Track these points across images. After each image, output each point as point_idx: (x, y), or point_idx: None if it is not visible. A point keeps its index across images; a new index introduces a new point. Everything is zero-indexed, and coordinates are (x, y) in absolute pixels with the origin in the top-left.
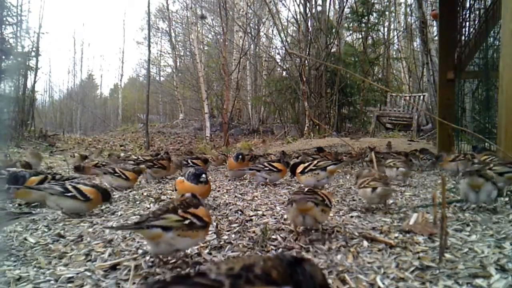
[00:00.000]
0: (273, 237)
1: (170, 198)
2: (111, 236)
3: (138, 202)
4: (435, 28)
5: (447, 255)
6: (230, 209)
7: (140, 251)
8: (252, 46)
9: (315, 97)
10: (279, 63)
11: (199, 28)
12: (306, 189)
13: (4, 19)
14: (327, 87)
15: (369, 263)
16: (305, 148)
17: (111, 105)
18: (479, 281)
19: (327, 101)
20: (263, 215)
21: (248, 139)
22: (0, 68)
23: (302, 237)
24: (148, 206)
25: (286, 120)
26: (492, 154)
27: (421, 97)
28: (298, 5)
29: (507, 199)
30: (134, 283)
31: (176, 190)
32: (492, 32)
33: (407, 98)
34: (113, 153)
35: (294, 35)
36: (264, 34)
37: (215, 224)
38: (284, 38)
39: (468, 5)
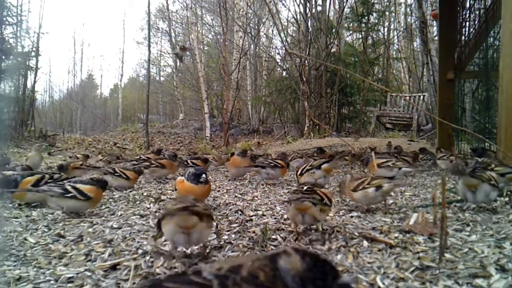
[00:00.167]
0: (273, 237)
1: (170, 198)
2: (111, 236)
3: (138, 202)
4: (435, 28)
5: (447, 255)
6: (230, 209)
7: (140, 251)
8: (252, 46)
9: (315, 97)
10: (279, 63)
11: (199, 28)
12: (305, 188)
13: (4, 19)
14: (327, 87)
15: (369, 263)
16: (305, 148)
17: (111, 105)
18: (479, 281)
19: (327, 101)
20: (263, 215)
21: (248, 139)
22: (0, 68)
23: (302, 237)
24: (148, 206)
25: (286, 120)
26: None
27: (421, 97)
28: (298, 5)
29: (507, 199)
30: (134, 283)
31: (176, 190)
32: (492, 32)
33: (407, 98)
34: (112, 152)
35: (294, 35)
36: (264, 34)
37: (215, 224)
38: (284, 38)
39: (468, 5)
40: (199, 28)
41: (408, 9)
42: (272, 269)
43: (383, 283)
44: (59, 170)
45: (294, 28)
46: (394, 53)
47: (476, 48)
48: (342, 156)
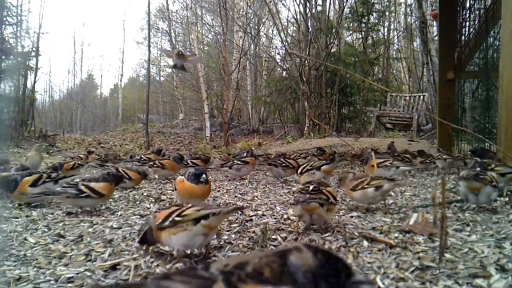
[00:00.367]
0: (273, 237)
1: (170, 198)
2: (111, 236)
3: (138, 202)
4: (435, 28)
5: (447, 255)
6: None
7: (140, 251)
8: (252, 46)
9: (315, 97)
10: (279, 63)
11: (199, 28)
12: (311, 187)
13: (4, 19)
14: (327, 87)
15: (369, 263)
16: (305, 148)
17: (111, 105)
18: (479, 281)
19: (327, 101)
20: (263, 215)
21: (248, 139)
22: (0, 68)
23: (302, 237)
24: (148, 206)
25: (286, 120)
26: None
27: (421, 97)
28: (298, 5)
29: (507, 199)
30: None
31: (176, 190)
32: (492, 32)
33: (407, 98)
34: (108, 152)
35: (294, 35)
36: (264, 34)
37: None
38: (284, 38)
39: (468, 5)
40: (199, 28)
41: (408, 9)
42: (280, 265)
43: (383, 283)
44: (53, 170)
45: (294, 28)
46: (394, 53)
47: (476, 48)
48: (341, 159)
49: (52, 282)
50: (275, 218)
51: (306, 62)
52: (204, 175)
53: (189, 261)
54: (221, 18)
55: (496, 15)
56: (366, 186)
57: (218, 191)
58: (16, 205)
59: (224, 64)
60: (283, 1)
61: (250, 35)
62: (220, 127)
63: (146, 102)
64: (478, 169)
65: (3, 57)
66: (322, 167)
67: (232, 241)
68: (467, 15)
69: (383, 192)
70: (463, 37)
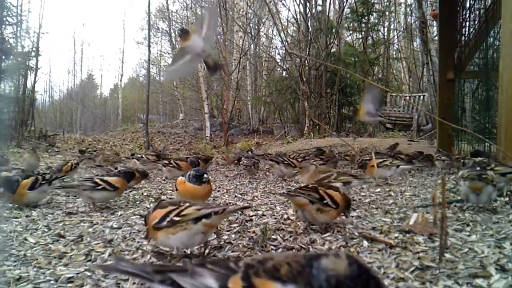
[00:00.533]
0: (273, 237)
1: (170, 198)
2: (111, 236)
3: (138, 202)
4: (435, 28)
5: (447, 255)
6: None
7: (140, 251)
8: (252, 46)
9: (315, 97)
10: (279, 63)
11: None
12: (310, 185)
13: (4, 19)
14: (327, 87)
15: (369, 263)
16: (305, 148)
17: (111, 105)
18: (479, 281)
19: (327, 101)
20: (263, 215)
21: (248, 139)
22: (0, 68)
23: (303, 237)
24: (148, 206)
25: (286, 120)
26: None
27: (421, 97)
28: (298, 5)
29: (507, 199)
30: (134, 283)
31: (176, 190)
32: (492, 32)
33: (407, 98)
34: (104, 152)
35: (294, 35)
36: (264, 34)
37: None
38: (284, 38)
39: (468, 5)
40: None
41: (408, 9)
42: (302, 265)
43: None
44: (53, 173)
45: (294, 28)
46: (394, 53)
47: (476, 48)
48: (336, 161)
49: (52, 282)
50: (275, 218)
51: (306, 62)
52: (205, 176)
53: (189, 261)
54: (221, 18)
55: (496, 15)
56: (333, 180)
57: (218, 191)
58: (16, 205)
59: (224, 64)
60: (283, 1)
61: (250, 35)
62: (220, 127)
63: (146, 102)
64: (478, 168)
65: (3, 57)
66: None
67: (232, 241)
68: (467, 15)
69: (350, 188)
70: (463, 37)
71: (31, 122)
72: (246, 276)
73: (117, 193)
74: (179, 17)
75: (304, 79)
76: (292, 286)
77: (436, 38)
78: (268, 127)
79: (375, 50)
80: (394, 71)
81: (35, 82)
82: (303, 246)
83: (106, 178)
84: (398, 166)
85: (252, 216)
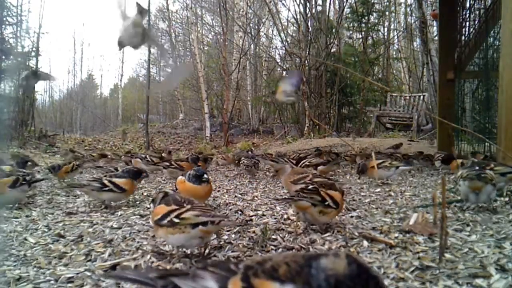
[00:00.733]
0: (273, 237)
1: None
2: (111, 236)
3: (138, 202)
4: (435, 28)
5: (447, 255)
6: (230, 209)
7: (140, 251)
8: (252, 46)
9: (315, 97)
10: (279, 63)
11: (199, 28)
12: (311, 187)
13: (4, 19)
14: (327, 87)
15: (369, 263)
16: (305, 148)
17: (111, 105)
18: (479, 281)
19: (327, 101)
20: (263, 215)
21: (248, 139)
22: (0, 68)
23: (303, 237)
24: (148, 206)
25: (286, 120)
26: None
27: (421, 97)
28: (298, 5)
29: (507, 199)
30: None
31: (176, 189)
32: (492, 32)
33: (407, 98)
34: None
35: (294, 35)
36: (264, 34)
37: None
38: (284, 38)
39: (468, 5)
40: (199, 28)
41: (408, 9)
42: (300, 265)
43: None
44: (50, 171)
45: (294, 28)
46: (394, 53)
47: (476, 48)
48: (337, 162)
49: (52, 282)
50: (275, 218)
51: (306, 62)
52: (205, 175)
53: (189, 261)
54: (221, 18)
55: (496, 15)
56: (308, 182)
57: (218, 191)
58: (16, 205)
59: (224, 64)
60: (283, 1)
61: (250, 35)
62: (220, 127)
63: (146, 102)
64: (478, 168)
65: (3, 57)
66: (319, 168)
67: (232, 241)
68: (467, 15)
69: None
70: (463, 37)
71: (31, 122)
72: (245, 277)
73: (125, 194)
74: (179, 17)
75: (304, 79)
76: (290, 286)
77: (436, 38)
78: (268, 127)
79: (375, 50)
80: (394, 71)
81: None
82: (303, 246)
83: (114, 179)
84: (397, 167)
85: (252, 216)
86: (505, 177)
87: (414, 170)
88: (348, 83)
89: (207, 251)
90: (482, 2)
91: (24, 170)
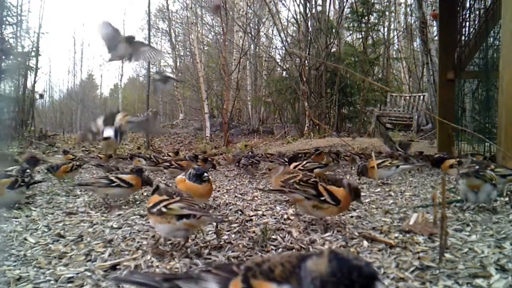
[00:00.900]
0: (273, 237)
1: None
2: (111, 236)
3: (138, 202)
4: (435, 28)
5: (447, 255)
6: (230, 209)
7: (140, 251)
8: (252, 46)
9: (315, 97)
10: (279, 63)
11: (199, 28)
12: (311, 180)
13: (4, 19)
14: (327, 87)
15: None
16: (305, 148)
17: (111, 105)
18: (479, 281)
19: (327, 101)
20: (263, 215)
21: (248, 139)
22: (0, 68)
23: (302, 237)
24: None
25: (286, 120)
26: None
27: (421, 97)
28: (298, 5)
29: (507, 199)
30: None
31: None
32: (492, 32)
33: (407, 98)
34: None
35: (294, 35)
36: (264, 34)
37: (214, 224)
38: (284, 38)
39: (468, 5)
40: (199, 28)
41: (408, 9)
42: (294, 266)
43: (383, 283)
44: (49, 171)
45: (294, 28)
46: (394, 53)
47: (476, 48)
48: (335, 164)
49: (52, 282)
50: (275, 218)
51: (306, 62)
52: (206, 174)
53: (189, 261)
54: (221, 18)
55: (496, 15)
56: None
57: (218, 191)
58: (16, 205)
59: (224, 64)
60: (283, 1)
61: (250, 35)
62: (220, 127)
63: (146, 102)
64: (477, 167)
65: (3, 57)
66: (315, 170)
67: (232, 241)
68: (467, 15)
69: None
70: (463, 37)
71: (31, 122)
72: (245, 278)
73: (132, 189)
74: (179, 17)
75: (304, 79)
76: (286, 287)
77: (436, 38)
78: (268, 127)
79: (375, 50)
80: (394, 71)
81: (35, 82)
82: (303, 246)
83: (120, 175)
84: (397, 166)
85: (252, 216)
86: (505, 179)
87: (414, 170)
88: (348, 83)
89: (187, 244)
90: (482, 2)
91: (30, 170)
